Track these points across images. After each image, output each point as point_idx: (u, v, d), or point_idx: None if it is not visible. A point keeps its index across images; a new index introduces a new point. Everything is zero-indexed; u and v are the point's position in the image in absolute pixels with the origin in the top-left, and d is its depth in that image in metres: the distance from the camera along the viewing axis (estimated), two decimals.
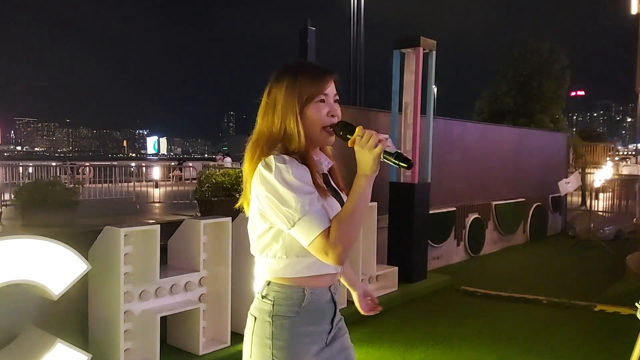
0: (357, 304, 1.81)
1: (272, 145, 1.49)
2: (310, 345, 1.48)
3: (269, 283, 1.51)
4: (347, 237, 1.37)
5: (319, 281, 1.51)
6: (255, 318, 1.52)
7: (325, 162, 1.60)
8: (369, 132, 1.41)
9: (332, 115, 1.52)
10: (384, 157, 1.39)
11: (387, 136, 1.42)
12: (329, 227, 1.38)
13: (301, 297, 1.48)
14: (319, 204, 1.41)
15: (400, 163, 1.38)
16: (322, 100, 1.51)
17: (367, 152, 1.38)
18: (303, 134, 1.48)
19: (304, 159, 1.48)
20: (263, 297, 1.51)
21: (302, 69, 1.54)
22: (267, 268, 1.52)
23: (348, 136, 1.46)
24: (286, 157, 1.45)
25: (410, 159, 1.39)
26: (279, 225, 1.44)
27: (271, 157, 1.44)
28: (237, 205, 1.67)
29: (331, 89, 1.54)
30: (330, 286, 1.54)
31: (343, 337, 1.62)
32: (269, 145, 1.49)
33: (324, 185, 1.50)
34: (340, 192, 1.61)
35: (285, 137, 1.49)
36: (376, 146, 1.37)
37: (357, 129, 1.44)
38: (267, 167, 1.43)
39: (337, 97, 1.57)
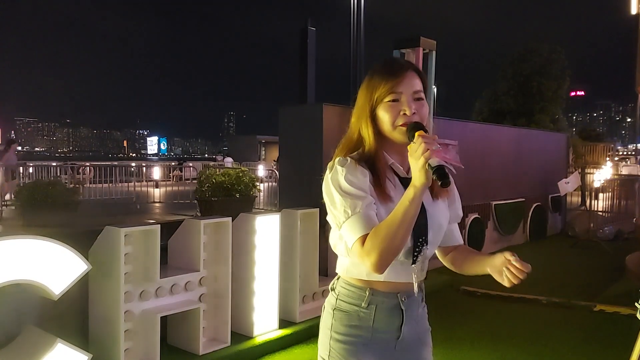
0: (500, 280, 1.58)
1: (352, 148, 1.51)
2: (369, 345, 1.49)
3: (338, 278, 1.57)
4: (381, 248, 1.33)
5: (385, 286, 1.50)
6: (324, 308, 1.58)
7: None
8: (421, 139, 1.32)
9: (405, 114, 1.45)
10: (427, 169, 1.31)
11: (451, 144, 1.33)
12: (367, 234, 1.37)
13: (362, 297, 1.49)
14: (369, 210, 1.39)
15: (436, 178, 1.31)
16: (396, 100, 1.45)
17: (415, 160, 1.32)
18: (373, 136, 1.47)
19: (372, 161, 1.46)
20: (332, 289, 1.58)
21: (377, 69, 1.51)
22: (339, 263, 1.56)
23: (411, 140, 1.38)
24: (349, 159, 1.45)
25: (448, 177, 1.31)
26: (334, 226, 1.47)
27: (337, 159, 1.46)
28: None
29: (407, 86, 1.46)
30: (398, 293, 1.52)
31: (422, 350, 1.62)
32: (348, 147, 1.51)
33: (391, 191, 1.46)
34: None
35: (361, 139, 1.50)
36: (422, 155, 1.30)
37: (416, 135, 1.36)
38: (330, 168, 1.47)
39: (420, 94, 1.48)
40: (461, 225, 8.02)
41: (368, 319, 1.49)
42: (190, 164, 19.90)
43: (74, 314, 3.54)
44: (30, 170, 13.72)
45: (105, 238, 3.38)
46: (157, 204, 11.64)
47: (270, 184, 11.79)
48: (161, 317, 3.47)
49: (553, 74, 27.96)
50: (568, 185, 9.20)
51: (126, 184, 12.58)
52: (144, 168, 16.67)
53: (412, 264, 1.49)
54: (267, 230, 4.09)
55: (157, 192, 13.17)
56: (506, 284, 1.51)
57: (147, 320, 3.45)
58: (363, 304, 1.49)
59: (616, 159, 28.36)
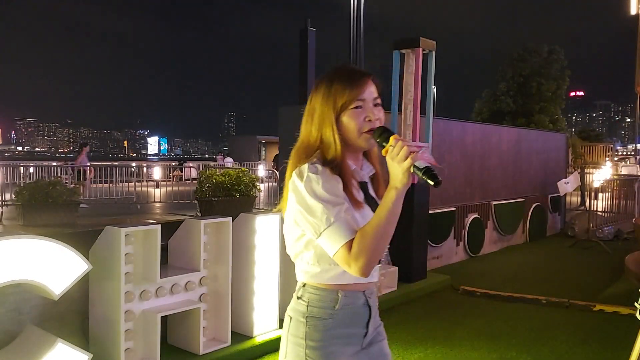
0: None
1: (310, 154, 1.50)
2: (343, 346, 1.51)
3: (304, 285, 1.54)
4: (370, 251, 1.35)
5: (354, 287, 1.52)
6: (291, 318, 1.54)
7: (367, 170, 1.59)
8: (402, 142, 1.34)
9: (370, 120, 1.48)
10: (413, 171, 1.33)
11: (424, 145, 1.37)
12: (352, 239, 1.38)
13: (335, 300, 1.50)
14: (347, 215, 1.41)
15: (427, 180, 1.31)
16: (359, 107, 1.48)
17: (396, 164, 1.34)
18: (339, 143, 1.47)
19: (339, 168, 1.47)
20: (298, 298, 1.54)
21: (337, 76, 1.52)
22: (302, 271, 1.55)
23: (383, 144, 1.41)
24: (319, 166, 1.45)
25: (439, 177, 1.31)
26: (308, 234, 1.46)
27: (305, 166, 1.45)
28: (275, 209, 1.67)
29: (369, 93, 1.50)
30: (364, 291, 1.55)
31: (381, 342, 1.63)
32: (307, 153, 1.50)
33: (359, 196, 1.50)
34: (378, 201, 1.55)
35: (323, 146, 1.50)
36: (406, 159, 1.32)
37: (391, 139, 1.38)
38: (300, 175, 1.45)
39: (378, 100, 1.52)
40: (461, 225, 8.09)
41: (342, 321, 1.50)
42: (191, 164, 19.91)
43: (74, 314, 3.55)
44: (31, 170, 13.73)
45: (105, 238, 3.39)
46: (157, 204, 11.64)
47: (270, 184, 11.80)
48: (161, 317, 3.47)
49: (552, 74, 28.00)
50: (567, 185, 9.21)
51: (126, 184, 12.58)
52: (145, 168, 16.68)
53: (378, 263, 1.49)
54: (267, 230, 4.09)
55: (157, 192, 13.17)
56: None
57: (148, 320, 3.46)
58: (336, 307, 1.49)
59: (616, 159, 28.36)
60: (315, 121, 1.51)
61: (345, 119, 1.48)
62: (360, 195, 1.51)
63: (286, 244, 1.58)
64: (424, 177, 1.31)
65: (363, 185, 1.55)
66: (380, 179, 1.62)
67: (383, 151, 1.40)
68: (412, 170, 1.32)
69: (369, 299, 1.56)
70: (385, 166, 1.49)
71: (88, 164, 12.44)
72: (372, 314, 1.57)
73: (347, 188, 1.46)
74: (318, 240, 1.42)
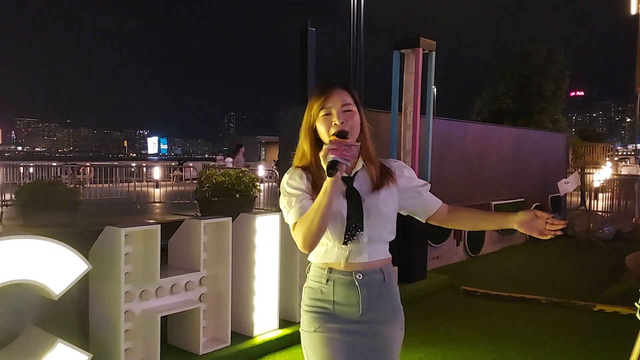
0: (529, 233, 1.72)
1: (300, 158, 1.83)
2: (331, 316, 1.76)
3: (309, 262, 1.88)
4: (304, 230, 1.66)
5: (338, 265, 1.78)
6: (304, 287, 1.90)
7: (357, 166, 1.80)
8: (330, 142, 1.63)
9: (335, 124, 1.72)
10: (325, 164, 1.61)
11: (351, 144, 1.61)
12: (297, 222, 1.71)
13: (323, 275, 1.79)
14: (301, 204, 1.72)
15: (325, 170, 1.60)
16: (328, 114, 1.74)
17: (322, 160, 1.63)
18: (309, 149, 1.78)
19: (310, 168, 1.78)
20: (307, 273, 1.88)
21: (314, 90, 1.81)
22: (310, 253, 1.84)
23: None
24: (294, 169, 1.80)
25: (333, 170, 1.57)
26: None
27: (290, 169, 1.81)
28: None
29: (335, 101, 1.74)
30: (353, 271, 1.77)
31: (390, 325, 1.81)
32: (298, 158, 1.84)
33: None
34: (361, 193, 1.77)
35: (305, 151, 1.81)
36: (326, 155, 1.60)
37: (332, 137, 1.67)
38: (285, 175, 1.81)
39: (349, 107, 1.75)
40: None
41: (328, 293, 1.78)
42: (191, 164, 19.90)
43: (75, 314, 3.55)
44: (31, 170, 13.74)
45: (105, 238, 3.39)
46: (157, 204, 11.63)
47: (270, 184, 11.79)
48: (161, 317, 3.47)
49: (552, 74, 27.99)
50: (568, 185, 9.20)
51: (126, 184, 12.57)
52: (144, 168, 16.68)
53: (344, 244, 1.74)
54: (267, 230, 4.09)
55: (157, 192, 13.15)
56: (545, 237, 1.71)
57: (148, 320, 3.46)
58: (323, 281, 1.79)
59: (616, 159, 28.36)
60: (302, 132, 1.81)
61: (318, 125, 1.76)
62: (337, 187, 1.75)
63: None
64: (326, 169, 1.59)
65: (349, 180, 1.77)
66: (372, 172, 1.81)
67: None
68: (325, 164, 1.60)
69: (358, 279, 1.76)
70: (376, 161, 1.83)
71: (243, 163, 13.89)
72: (363, 293, 1.76)
73: (315, 183, 1.74)
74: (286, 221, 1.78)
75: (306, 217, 1.67)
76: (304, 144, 1.80)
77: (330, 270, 1.78)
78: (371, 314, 1.77)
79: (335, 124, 1.71)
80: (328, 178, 1.60)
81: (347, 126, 1.71)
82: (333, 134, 1.68)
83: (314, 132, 1.78)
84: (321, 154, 1.63)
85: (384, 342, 1.79)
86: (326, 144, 1.65)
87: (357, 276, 1.76)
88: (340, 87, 1.76)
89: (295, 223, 1.71)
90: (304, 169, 1.79)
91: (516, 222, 1.72)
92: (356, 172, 1.79)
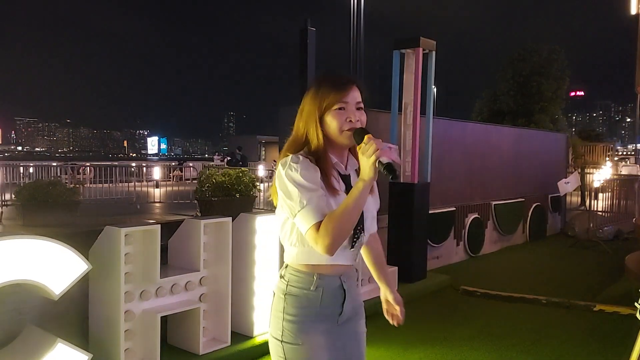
0: (383, 305, 2.01)
1: (298, 147, 1.70)
2: (317, 322, 1.69)
3: (287, 266, 1.75)
4: (335, 232, 1.54)
5: (329, 270, 1.70)
6: (274, 294, 1.79)
7: (351, 164, 1.77)
8: (373, 140, 1.55)
9: (350, 121, 1.67)
10: (377, 165, 1.53)
11: (393, 146, 1.56)
12: (321, 220, 1.56)
13: (310, 281, 1.69)
14: (320, 201, 1.58)
15: (386, 173, 1.53)
16: (342, 108, 1.67)
17: (365, 158, 1.54)
18: (322, 138, 1.67)
19: (320, 160, 1.66)
20: (281, 277, 1.77)
21: (325, 80, 1.72)
22: (287, 253, 1.75)
23: (359, 142, 1.61)
24: (301, 157, 1.64)
25: (397, 172, 1.54)
26: (289, 217, 1.65)
27: (290, 157, 1.64)
28: (267, 195, 1.84)
29: (352, 97, 1.69)
30: (340, 275, 1.73)
31: (358, 322, 1.83)
32: (296, 146, 1.71)
33: (338, 185, 1.68)
34: None
35: (307, 140, 1.70)
36: (373, 154, 1.52)
37: (365, 137, 1.58)
38: (283, 165, 1.64)
39: (361, 105, 1.72)
40: (461, 225, 8.09)
41: (316, 300, 1.69)
42: (191, 164, 19.91)
43: (74, 314, 3.55)
44: (31, 170, 13.74)
45: (105, 238, 3.39)
46: (157, 204, 11.62)
47: (270, 184, 11.77)
48: (161, 317, 3.47)
49: (552, 74, 27.96)
50: (568, 185, 9.20)
51: (126, 184, 12.57)
52: (144, 168, 16.67)
53: (351, 248, 1.70)
54: (267, 230, 4.09)
55: (157, 192, 13.14)
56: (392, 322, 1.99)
57: (148, 320, 3.46)
58: (312, 287, 1.69)
59: (616, 159, 28.36)
60: (303, 119, 1.71)
61: (329, 118, 1.67)
62: (338, 185, 1.69)
63: (278, 229, 1.77)
64: (384, 170, 1.53)
65: (346, 178, 1.74)
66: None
67: (357, 148, 1.60)
68: (377, 165, 1.53)
69: (345, 283, 1.73)
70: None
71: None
72: (348, 296, 1.74)
73: (325, 177, 1.64)
74: (294, 220, 1.61)
75: (338, 217, 1.54)
76: (312, 132, 1.68)
77: (319, 276, 1.69)
78: (347, 312, 1.76)
79: (350, 120, 1.66)
80: (367, 176, 1.53)
81: (360, 124, 1.68)
82: (360, 132, 1.62)
83: (321, 123, 1.69)
84: (365, 150, 1.53)
85: (358, 338, 1.82)
86: (358, 142, 1.59)
87: (344, 280, 1.74)
88: (356, 84, 1.73)
89: (319, 222, 1.56)
90: (308, 157, 1.67)
91: (384, 296, 1.99)
92: (356, 170, 1.76)
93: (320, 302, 1.69)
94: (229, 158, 19.69)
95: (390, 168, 1.52)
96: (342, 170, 1.74)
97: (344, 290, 1.73)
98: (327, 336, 1.69)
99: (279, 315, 1.71)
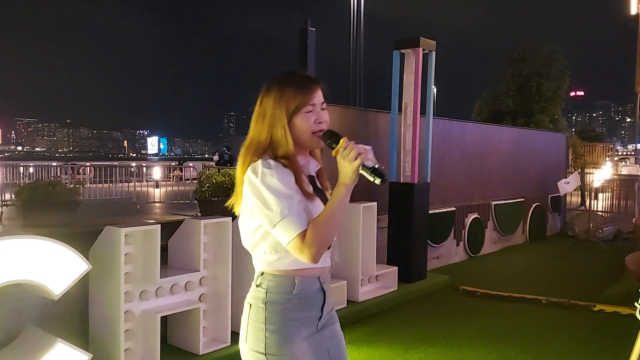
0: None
1: (261, 151, 1.61)
2: (300, 329, 1.62)
3: (262, 273, 1.65)
4: (322, 240, 1.51)
5: (308, 272, 1.63)
6: (251, 305, 1.68)
7: (313, 165, 1.71)
8: (351, 144, 1.51)
9: (320, 122, 1.62)
10: (362, 170, 1.49)
11: (369, 148, 1.52)
12: (306, 229, 1.51)
13: (292, 285, 1.61)
14: (300, 207, 1.54)
15: (375, 178, 1.49)
16: (310, 110, 1.62)
17: (347, 163, 1.50)
18: (291, 142, 1.60)
19: (290, 163, 1.59)
20: (257, 285, 1.66)
21: (289, 81, 1.64)
22: (260, 261, 1.66)
23: (333, 146, 1.56)
24: (272, 162, 1.57)
25: (385, 175, 1.49)
26: (265, 226, 1.57)
27: (259, 162, 1.57)
28: (227, 204, 1.78)
29: (318, 98, 1.64)
30: (319, 277, 1.66)
31: (334, 325, 1.75)
32: (259, 151, 1.61)
33: (309, 188, 1.63)
34: (325, 192, 1.72)
35: (272, 144, 1.61)
36: (356, 159, 1.48)
37: (341, 141, 1.54)
38: (254, 171, 1.56)
39: (324, 105, 1.66)
40: (461, 225, 8.09)
41: (298, 305, 1.62)
42: (191, 164, 19.91)
43: (74, 314, 3.55)
44: (31, 170, 13.73)
45: (105, 238, 3.39)
46: (157, 204, 11.62)
47: None
48: (161, 317, 3.47)
49: (552, 74, 27.98)
50: (568, 185, 9.21)
51: (126, 184, 12.57)
52: (144, 168, 16.68)
53: (328, 249, 1.63)
54: None
55: (157, 192, 13.15)
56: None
57: (147, 320, 3.46)
58: (293, 292, 1.61)
59: (616, 159, 28.36)
60: (266, 122, 1.62)
61: (298, 121, 1.61)
62: (310, 188, 1.63)
63: (242, 237, 1.69)
64: (371, 175, 1.49)
65: (312, 179, 1.68)
66: (324, 173, 1.76)
67: (333, 152, 1.55)
68: (360, 169, 1.49)
69: (323, 284, 1.68)
70: (325, 160, 1.74)
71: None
72: (326, 298, 1.68)
73: (298, 181, 1.58)
74: (272, 230, 1.54)
75: (323, 224, 1.51)
76: (280, 136, 1.59)
77: (298, 278, 1.61)
78: (326, 317, 1.70)
79: (320, 122, 1.62)
80: (349, 181, 1.50)
81: (326, 125, 1.64)
82: (331, 135, 1.58)
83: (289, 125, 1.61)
84: (345, 155, 1.49)
85: (338, 339, 1.74)
86: (329, 145, 1.56)
87: (322, 281, 1.68)
88: (319, 83, 1.67)
89: (304, 231, 1.51)
90: (277, 161, 1.59)
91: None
92: (316, 172, 1.72)
93: (303, 306, 1.62)
94: (217, 158, 19.72)
95: (377, 172, 1.48)
96: (308, 172, 1.68)
97: (324, 291, 1.68)
98: (310, 342, 1.63)
99: (260, 327, 1.62)
